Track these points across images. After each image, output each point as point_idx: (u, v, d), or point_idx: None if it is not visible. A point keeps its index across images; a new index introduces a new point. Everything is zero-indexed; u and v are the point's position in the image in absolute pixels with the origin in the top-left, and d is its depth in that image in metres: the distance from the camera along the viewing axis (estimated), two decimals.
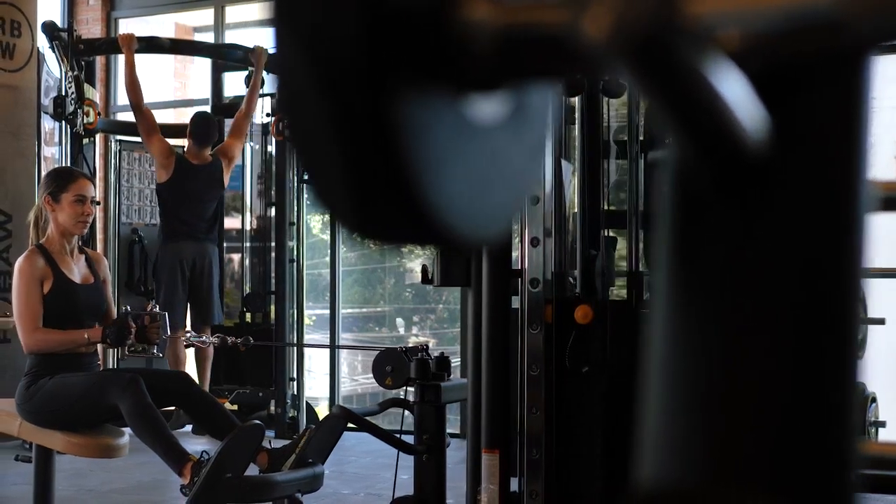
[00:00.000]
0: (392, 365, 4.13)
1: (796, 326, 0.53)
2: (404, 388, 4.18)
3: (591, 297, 3.77)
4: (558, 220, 3.77)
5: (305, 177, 0.56)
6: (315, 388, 8.93)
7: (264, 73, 7.85)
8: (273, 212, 8.25)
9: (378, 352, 4.19)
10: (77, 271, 4.59)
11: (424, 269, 4.01)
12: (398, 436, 4.10)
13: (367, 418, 4.22)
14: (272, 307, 8.20)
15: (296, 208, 8.15)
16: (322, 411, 8.58)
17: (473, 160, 0.59)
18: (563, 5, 0.52)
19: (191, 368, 7.55)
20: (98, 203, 4.69)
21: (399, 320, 13.18)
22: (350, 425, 4.43)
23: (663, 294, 0.58)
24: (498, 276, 3.71)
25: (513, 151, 0.62)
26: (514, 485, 3.76)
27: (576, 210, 4.07)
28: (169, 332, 4.65)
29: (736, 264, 0.55)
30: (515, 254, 3.85)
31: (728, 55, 0.51)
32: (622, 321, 3.70)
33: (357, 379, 12.55)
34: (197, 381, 7.03)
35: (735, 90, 0.52)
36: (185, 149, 7.74)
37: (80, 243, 4.70)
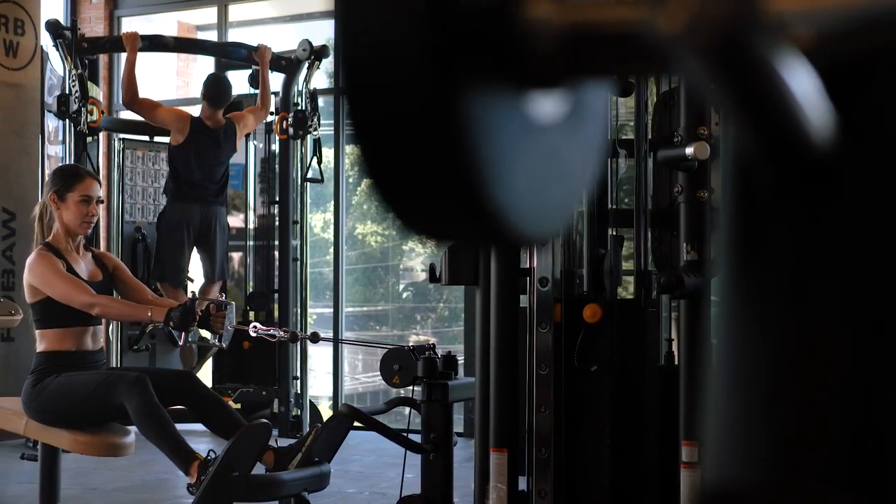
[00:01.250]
0: (400, 363, 4.13)
1: (872, 326, 0.52)
2: (411, 386, 4.18)
3: (600, 295, 3.76)
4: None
5: (366, 177, 0.55)
6: (316, 386, 8.93)
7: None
8: (276, 210, 8.24)
9: (388, 349, 4.18)
10: (85, 268, 4.58)
11: (432, 268, 4.01)
12: (405, 435, 4.09)
13: (373, 417, 4.22)
14: (275, 306, 8.19)
15: (299, 207, 8.14)
16: (324, 410, 8.58)
17: (533, 158, 0.58)
18: (635, 2, 0.52)
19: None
20: (101, 202, 4.66)
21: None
22: (354, 424, 4.43)
23: (726, 295, 0.57)
24: (506, 275, 3.72)
25: (570, 149, 0.62)
26: (521, 484, 3.76)
27: (583, 209, 4.06)
28: (234, 323, 4.59)
29: (803, 262, 0.54)
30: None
31: (800, 52, 0.50)
32: (630, 320, 3.70)
33: (358, 378, 12.55)
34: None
35: (805, 87, 0.51)
36: (200, 110, 7.73)
37: (84, 241, 4.69)
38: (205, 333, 4.70)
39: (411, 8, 0.52)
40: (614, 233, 3.95)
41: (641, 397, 3.67)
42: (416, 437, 4.10)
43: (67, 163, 7.27)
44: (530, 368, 3.69)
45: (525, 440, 3.74)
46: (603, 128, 0.65)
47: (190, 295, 4.56)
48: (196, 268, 7.96)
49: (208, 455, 4.22)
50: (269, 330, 4.73)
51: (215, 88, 7.74)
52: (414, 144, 0.53)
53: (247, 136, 8.34)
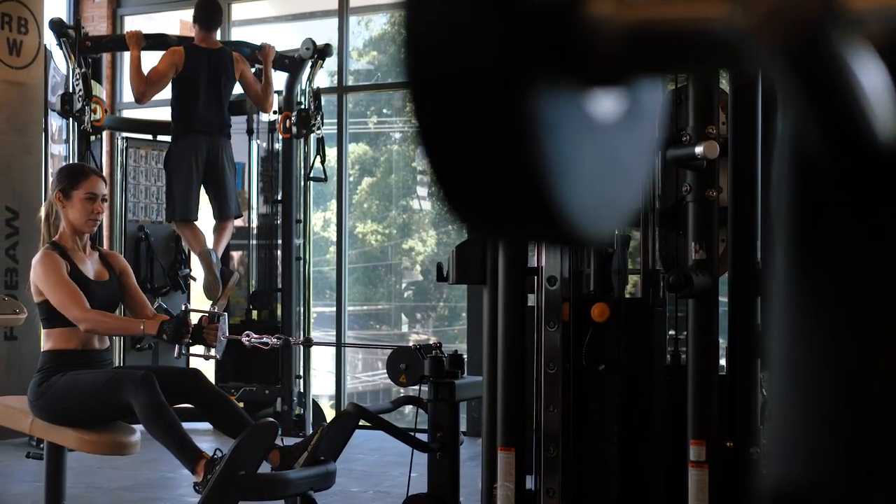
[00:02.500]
0: (406, 362, 4.13)
1: None
2: (415, 386, 4.18)
3: (608, 295, 3.76)
4: None
5: (428, 177, 0.55)
6: (317, 386, 8.93)
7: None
8: (279, 209, 8.24)
9: (395, 349, 4.19)
10: (91, 267, 4.58)
11: (439, 267, 4.01)
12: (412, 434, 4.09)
13: (380, 416, 4.23)
14: (278, 305, 8.19)
15: (302, 206, 8.14)
16: (325, 409, 8.58)
17: (594, 156, 0.58)
18: (707, 1, 0.52)
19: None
20: (106, 199, 4.66)
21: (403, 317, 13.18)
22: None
23: (785, 293, 0.57)
24: (514, 274, 3.72)
25: (628, 148, 0.62)
26: (528, 483, 3.76)
27: None
28: (227, 333, 4.59)
29: (866, 261, 0.54)
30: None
31: (872, 49, 0.50)
32: (638, 319, 3.70)
33: (359, 377, 12.56)
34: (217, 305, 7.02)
35: (874, 84, 0.51)
36: (194, 36, 7.64)
37: (91, 240, 4.69)
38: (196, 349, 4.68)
39: (477, 6, 0.52)
40: (622, 231, 3.95)
41: (649, 396, 3.67)
42: (422, 436, 4.10)
43: (72, 161, 7.28)
44: (538, 367, 3.68)
45: (532, 439, 3.74)
46: (656, 126, 0.65)
47: (183, 307, 4.55)
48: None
49: (215, 454, 4.22)
50: (261, 338, 4.76)
51: (206, 10, 7.62)
52: (480, 141, 0.53)
53: (249, 134, 8.33)
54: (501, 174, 0.54)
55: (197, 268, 7.99)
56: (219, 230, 7.62)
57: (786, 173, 0.58)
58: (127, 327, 4.51)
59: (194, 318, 4.51)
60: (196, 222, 7.55)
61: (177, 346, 4.47)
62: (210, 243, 7.53)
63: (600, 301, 3.68)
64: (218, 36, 7.87)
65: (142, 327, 4.46)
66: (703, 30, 0.51)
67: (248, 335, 4.71)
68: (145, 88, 7.39)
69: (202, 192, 7.60)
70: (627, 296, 3.90)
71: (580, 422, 3.67)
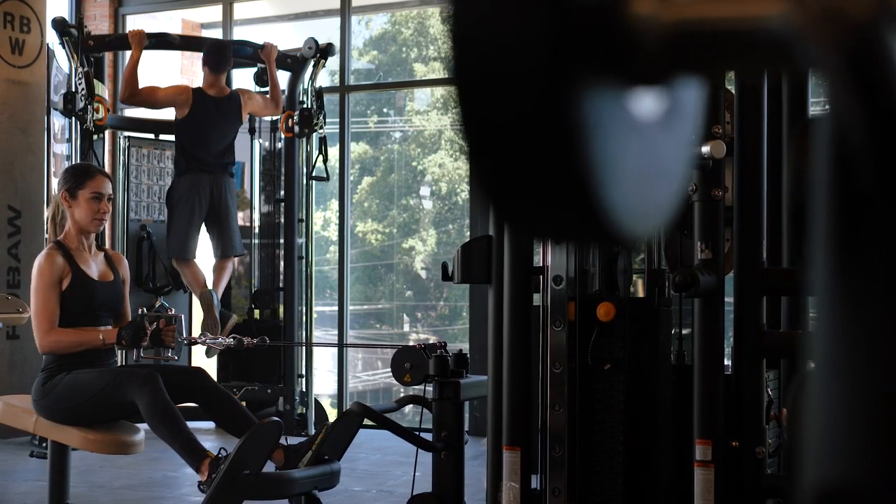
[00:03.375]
0: (411, 362, 4.13)
1: None
2: (422, 385, 4.18)
3: (613, 294, 3.76)
4: None
5: (473, 175, 0.55)
6: (317, 385, 8.93)
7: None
8: (281, 209, 8.24)
9: (399, 348, 4.19)
10: (95, 268, 4.59)
11: (444, 266, 4.01)
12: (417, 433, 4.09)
13: (385, 415, 4.22)
14: (280, 304, 8.19)
15: (304, 205, 8.14)
16: (327, 408, 8.58)
17: (635, 156, 0.58)
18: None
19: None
20: (112, 199, 4.67)
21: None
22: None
23: (826, 293, 0.57)
24: (520, 274, 3.72)
25: (668, 147, 0.62)
26: (533, 482, 3.76)
27: None
28: (185, 335, 4.63)
29: None
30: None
31: None
32: (644, 319, 3.70)
33: (359, 376, 12.57)
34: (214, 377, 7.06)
35: None
36: (202, 80, 7.67)
37: (98, 241, 4.70)
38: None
39: (526, 5, 0.52)
40: None
41: (655, 396, 3.67)
42: (425, 436, 4.11)
43: (76, 161, 7.28)
44: (544, 367, 3.68)
45: (537, 439, 3.74)
46: (695, 126, 0.65)
47: (140, 312, 4.55)
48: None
49: (219, 453, 4.22)
50: (217, 338, 4.82)
51: (216, 54, 7.65)
52: (527, 140, 0.53)
53: (251, 133, 8.33)
54: (548, 173, 0.54)
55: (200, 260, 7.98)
56: (219, 269, 7.67)
57: (828, 171, 0.58)
58: (86, 341, 4.49)
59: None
60: (195, 261, 7.61)
61: (135, 350, 4.48)
62: (210, 281, 7.58)
63: (606, 300, 3.68)
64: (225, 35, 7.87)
65: (101, 337, 4.46)
66: (753, 28, 0.51)
67: (203, 335, 4.78)
68: (136, 95, 7.43)
69: (205, 230, 7.67)
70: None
71: (586, 421, 3.67)
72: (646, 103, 0.59)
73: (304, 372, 8.03)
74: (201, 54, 7.79)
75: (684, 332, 3.79)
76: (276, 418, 4.46)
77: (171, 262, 7.89)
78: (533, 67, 0.53)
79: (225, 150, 7.65)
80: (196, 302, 7.82)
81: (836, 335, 0.57)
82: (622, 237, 0.57)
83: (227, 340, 4.85)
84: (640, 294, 4.08)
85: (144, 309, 4.49)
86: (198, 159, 7.53)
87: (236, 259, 7.97)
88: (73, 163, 7.22)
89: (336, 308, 8.86)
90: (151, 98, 7.52)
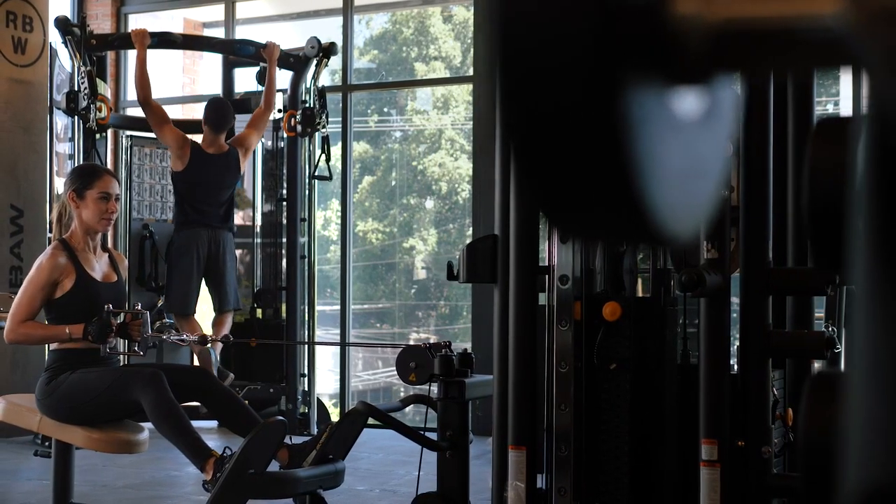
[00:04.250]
0: (416, 361, 4.13)
1: None
2: (427, 384, 4.18)
3: (619, 294, 3.77)
4: None
5: (519, 175, 0.55)
6: (318, 384, 8.93)
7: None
8: (284, 208, 8.24)
9: (403, 347, 4.19)
10: (99, 269, 4.59)
11: (450, 266, 4.01)
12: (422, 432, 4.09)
13: (390, 415, 4.22)
14: (283, 303, 8.19)
15: (306, 204, 8.14)
16: (329, 407, 8.58)
17: (677, 155, 0.59)
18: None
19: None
20: (118, 199, 4.67)
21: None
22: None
23: (870, 296, 0.57)
24: (526, 273, 3.72)
25: (708, 146, 0.62)
26: (538, 481, 3.76)
27: None
28: (150, 331, 4.64)
29: None
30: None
31: None
32: (650, 318, 3.70)
33: (360, 375, 12.57)
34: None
35: None
36: (202, 138, 7.68)
37: (103, 241, 4.70)
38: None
39: (573, 4, 0.52)
40: None
41: (661, 395, 3.67)
42: (430, 435, 4.11)
43: (79, 160, 7.28)
44: (550, 366, 3.69)
45: (543, 438, 3.74)
46: (731, 125, 0.65)
47: (105, 308, 4.54)
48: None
49: (224, 452, 4.22)
50: (181, 335, 4.85)
51: (217, 112, 7.64)
52: (572, 138, 0.53)
53: None
54: (594, 173, 0.54)
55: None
56: (218, 323, 7.71)
57: (871, 173, 0.58)
58: (52, 335, 4.50)
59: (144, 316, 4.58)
60: (194, 316, 7.64)
61: (102, 346, 4.48)
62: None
63: (612, 300, 3.68)
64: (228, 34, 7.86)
65: (67, 331, 4.45)
66: (803, 27, 0.52)
67: (169, 332, 4.81)
68: (150, 105, 7.39)
69: (204, 283, 7.71)
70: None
71: (592, 420, 3.68)
72: (687, 102, 0.59)
73: (306, 371, 8.03)
74: (202, 112, 7.74)
75: (689, 331, 3.80)
76: (280, 417, 4.45)
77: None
78: (579, 65, 0.53)
79: (224, 203, 7.69)
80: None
81: (878, 337, 0.57)
82: (665, 237, 0.57)
83: (192, 338, 4.91)
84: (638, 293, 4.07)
85: (109, 305, 4.48)
86: (197, 211, 7.56)
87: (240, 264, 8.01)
88: (79, 163, 7.22)
89: (336, 307, 8.87)
90: (159, 125, 7.45)
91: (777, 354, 3.66)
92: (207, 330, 7.63)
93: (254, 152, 8.36)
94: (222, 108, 7.72)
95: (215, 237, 7.60)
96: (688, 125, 0.60)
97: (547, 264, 3.76)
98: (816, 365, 4.17)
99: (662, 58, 0.55)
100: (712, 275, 3.45)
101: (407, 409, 4.64)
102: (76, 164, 7.02)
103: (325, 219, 11.11)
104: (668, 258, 3.79)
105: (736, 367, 3.60)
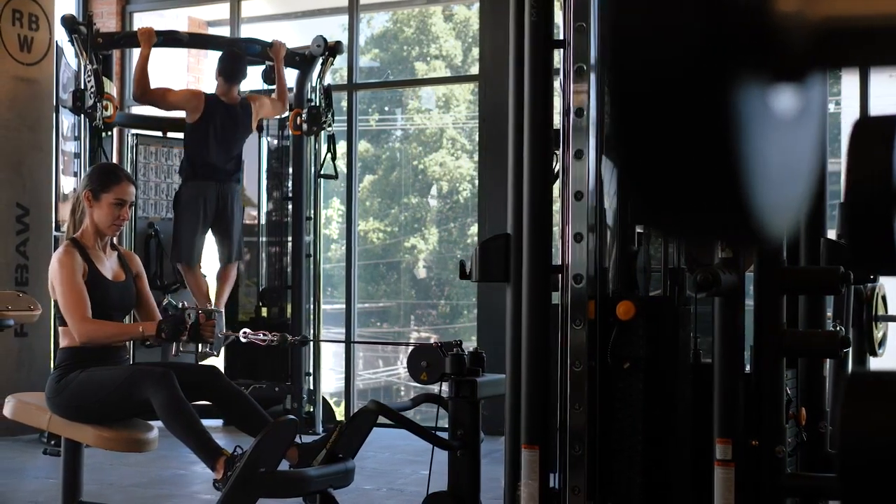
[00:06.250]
0: (427, 360, 4.13)
1: None
2: (438, 383, 4.18)
3: (632, 293, 3.77)
4: (599, 217, 3.77)
5: (625, 175, 0.55)
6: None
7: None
8: (289, 206, 8.24)
9: (415, 346, 4.18)
10: (109, 267, 4.59)
11: (462, 265, 4.01)
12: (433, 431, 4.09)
13: (401, 413, 4.22)
14: (288, 302, 8.19)
15: (312, 203, 8.14)
16: (332, 406, 8.57)
17: (776, 154, 0.58)
18: None
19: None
20: (133, 205, 4.67)
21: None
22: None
23: None
24: (539, 272, 3.72)
25: (802, 143, 0.62)
26: (551, 481, 3.76)
27: (607, 206, 4.05)
28: (224, 330, 4.61)
29: None
30: None
31: None
32: (663, 317, 3.70)
33: (361, 374, 12.58)
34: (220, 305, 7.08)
35: None
36: (215, 88, 7.71)
37: (112, 240, 4.70)
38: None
39: (684, 5, 0.52)
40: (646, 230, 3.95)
41: (674, 395, 3.67)
42: (440, 434, 4.11)
43: (85, 159, 7.28)
44: (563, 365, 3.68)
45: (556, 437, 3.73)
46: (821, 123, 0.65)
47: (180, 305, 4.55)
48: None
49: (235, 451, 4.21)
50: (258, 335, 4.78)
51: (231, 63, 7.70)
52: (682, 138, 0.53)
53: (259, 131, 8.33)
54: (703, 172, 0.54)
55: (205, 266, 7.98)
56: (223, 276, 7.75)
57: None
58: (125, 333, 4.51)
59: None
60: (199, 268, 7.64)
61: (174, 345, 4.47)
62: (213, 289, 7.64)
63: (626, 299, 3.68)
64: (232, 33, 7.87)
65: (141, 329, 4.47)
66: None
67: (244, 332, 4.73)
68: (148, 94, 7.46)
69: (210, 235, 7.71)
70: None
71: (605, 420, 3.68)
72: (785, 100, 0.59)
73: (311, 370, 8.03)
74: (216, 63, 7.81)
75: (700, 330, 3.79)
76: (291, 416, 4.45)
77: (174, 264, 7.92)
78: (689, 61, 0.52)
79: (233, 158, 7.71)
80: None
81: None
82: (766, 236, 0.57)
83: (270, 337, 4.82)
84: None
85: (184, 303, 4.48)
86: (205, 166, 7.58)
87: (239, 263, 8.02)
88: (87, 162, 7.22)
89: (337, 306, 8.87)
90: (163, 99, 7.56)
91: (791, 354, 3.66)
92: (212, 282, 7.65)
93: (259, 151, 8.35)
94: (236, 59, 7.75)
95: (223, 191, 7.63)
96: (786, 122, 0.60)
97: (559, 263, 3.76)
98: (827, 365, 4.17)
99: (766, 55, 0.55)
100: (727, 274, 3.45)
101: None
102: (96, 163, 6.98)
103: (326, 217, 11.12)
104: (681, 257, 3.79)
105: (749, 366, 3.60)
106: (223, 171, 7.63)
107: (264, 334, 4.82)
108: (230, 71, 7.66)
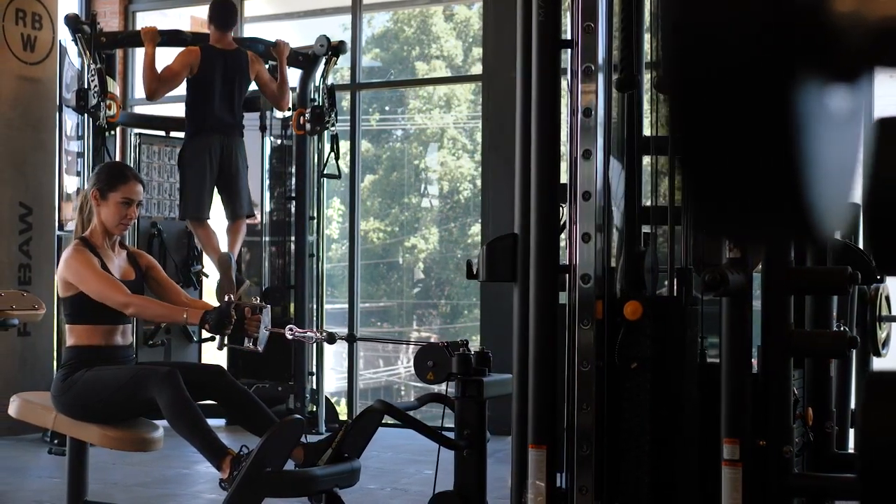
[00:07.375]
0: (434, 360, 4.12)
1: None
2: (444, 383, 4.17)
3: (639, 293, 3.77)
4: (607, 217, 3.77)
5: (681, 171, 0.55)
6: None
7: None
8: (292, 206, 8.24)
9: (421, 346, 4.18)
10: (118, 266, 4.59)
11: (469, 264, 4.01)
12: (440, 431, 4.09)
13: (407, 413, 4.22)
14: (291, 301, 8.19)
15: (315, 202, 8.14)
16: (336, 405, 8.58)
17: (830, 152, 0.59)
18: None
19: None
20: (141, 204, 4.65)
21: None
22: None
23: None
24: (546, 272, 3.72)
25: (852, 142, 0.62)
26: (557, 481, 3.76)
27: (614, 206, 4.05)
28: (270, 326, 4.55)
29: None
30: None
31: None
32: (671, 318, 3.70)
33: (362, 374, 12.57)
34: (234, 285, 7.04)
35: None
36: (210, 38, 7.64)
37: (121, 238, 4.69)
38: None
39: (744, 5, 0.52)
40: (653, 230, 3.95)
41: (681, 395, 3.67)
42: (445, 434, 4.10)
43: (88, 158, 7.28)
44: (571, 365, 3.69)
45: (563, 437, 3.74)
46: (864, 122, 0.65)
47: (226, 299, 4.50)
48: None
49: (241, 451, 4.21)
50: (305, 332, 4.69)
51: (221, 10, 7.64)
52: (745, 138, 0.53)
53: (262, 131, 8.32)
54: (765, 172, 0.54)
55: (208, 264, 7.98)
56: (232, 231, 7.63)
57: None
58: (170, 314, 4.51)
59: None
60: (209, 221, 7.56)
61: (218, 338, 4.45)
62: (224, 245, 7.54)
63: (633, 299, 3.68)
64: (234, 33, 7.87)
65: (185, 315, 4.44)
66: None
67: (291, 329, 4.64)
68: (157, 86, 7.39)
69: (216, 192, 7.61)
70: None
71: (613, 420, 3.68)
72: (841, 99, 0.59)
73: (314, 369, 8.03)
74: (207, 13, 7.76)
75: (707, 330, 3.80)
76: (297, 416, 4.45)
77: (180, 257, 7.88)
78: (751, 57, 0.53)
79: (234, 107, 7.59)
80: (205, 293, 7.82)
81: None
82: (821, 235, 0.57)
83: (318, 335, 4.75)
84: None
85: (230, 296, 4.43)
86: (207, 117, 7.46)
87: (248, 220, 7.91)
88: (91, 161, 7.21)
89: (336, 306, 8.86)
90: (171, 76, 7.44)
91: (798, 354, 3.67)
92: (222, 237, 7.59)
93: (262, 151, 8.35)
94: (226, 5, 7.68)
95: (227, 143, 7.54)
96: (840, 122, 0.60)
97: (566, 263, 3.76)
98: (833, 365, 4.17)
99: (824, 54, 0.55)
100: (734, 274, 3.45)
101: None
102: (103, 162, 6.96)
103: (327, 217, 11.11)
104: (688, 257, 3.79)
105: (756, 366, 3.60)
106: (226, 124, 7.52)
107: (312, 332, 4.76)
108: (221, 17, 7.59)
